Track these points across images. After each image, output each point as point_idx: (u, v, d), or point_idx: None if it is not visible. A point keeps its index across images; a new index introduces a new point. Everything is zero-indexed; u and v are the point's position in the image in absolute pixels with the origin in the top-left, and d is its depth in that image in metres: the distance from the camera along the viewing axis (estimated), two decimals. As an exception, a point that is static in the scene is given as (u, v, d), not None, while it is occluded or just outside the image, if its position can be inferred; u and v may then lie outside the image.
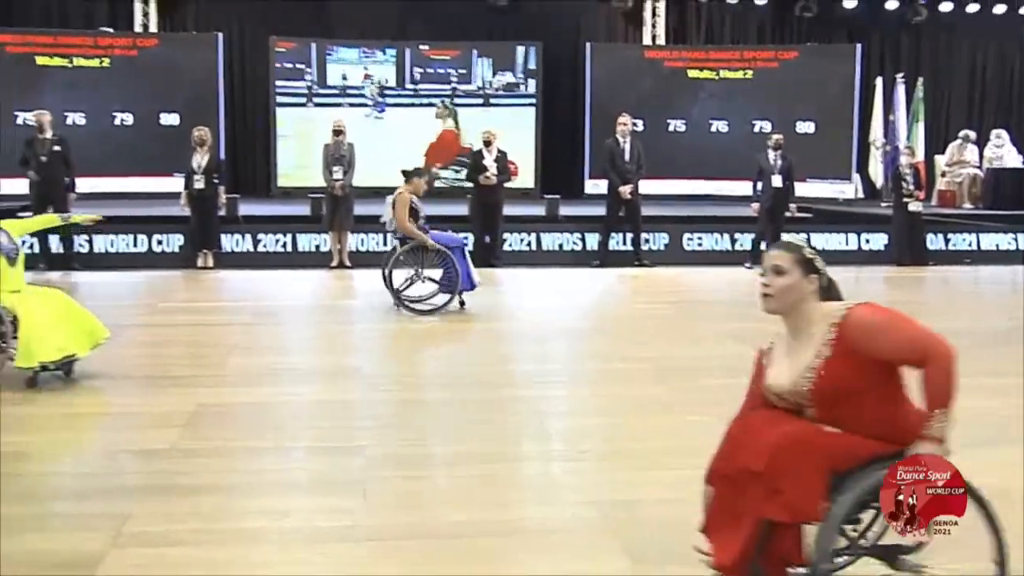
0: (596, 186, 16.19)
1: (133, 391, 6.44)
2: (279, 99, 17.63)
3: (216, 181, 12.44)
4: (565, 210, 14.17)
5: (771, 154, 13.13)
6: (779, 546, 2.91)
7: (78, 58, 16.70)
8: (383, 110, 17.94)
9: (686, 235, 13.66)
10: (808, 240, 3.70)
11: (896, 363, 2.99)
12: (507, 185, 13.27)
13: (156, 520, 4.13)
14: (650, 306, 10.26)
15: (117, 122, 16.74)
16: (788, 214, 13.17)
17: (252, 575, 3.65)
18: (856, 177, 17.83)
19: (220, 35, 17.38)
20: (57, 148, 12.21)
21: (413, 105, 18.05)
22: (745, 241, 13.45)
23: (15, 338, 6.23)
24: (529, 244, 13.40)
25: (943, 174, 17.16)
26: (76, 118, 16.23)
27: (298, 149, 17.45)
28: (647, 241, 13.38)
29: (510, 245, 13.28)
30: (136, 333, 8.24)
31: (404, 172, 9.77)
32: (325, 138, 13.18)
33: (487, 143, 13.04)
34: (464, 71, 18.07)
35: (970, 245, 14.05)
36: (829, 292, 3.15)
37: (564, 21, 18.68)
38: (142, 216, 13.47)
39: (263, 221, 13.48)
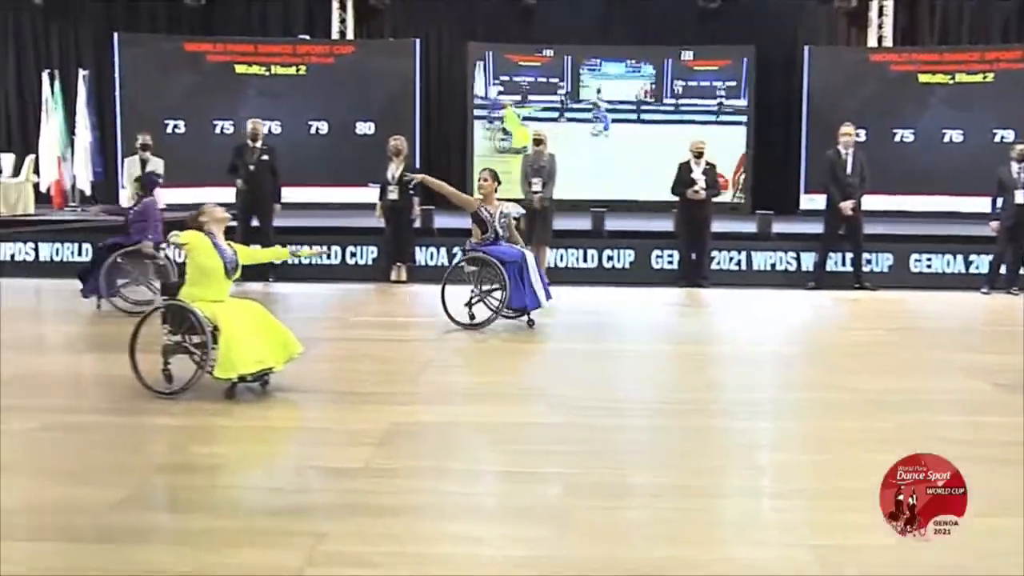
0: (813, 201, 15.81)
1: (326, 406, 6.74)
2: (477, 110, 17.97)
3: (411, 192, 12.84)
4: (778, 227, 13.89)
5: (1015, 167, 12.51)
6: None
7: (276, 66, 17.60)
8: (607, 126, 17.90)
9: (913, 256, 13.18)
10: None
11: None
12: (715, 200, 13.14)
13: (350, 540, 4.31)
14: (870, 333, 9.95)
15: (312, 131, 17.51)
16: (1033, 234, 12.53)
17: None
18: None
19: (417, 41, 17.94)
20: (265, 157, 12.95)
21: (669, 122, 17.74)
22: (981, 263, 12.87)
23: (214, 348, 6.62)
24: (738, 263, 13.24)
25: None
26: (272, 127, 17.07)
27: (493, 158, 17.76)
28: (869, 262, 12.99)
29: (718, 264, 13.15)
30: (328, 347, 8.61)
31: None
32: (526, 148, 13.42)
33: (697, 154, 12.91)
34: (733, 83, 17.81)
35: None
36: None
37: (780, 23, 18.35)
38: (336, 227, 14.02)
39: (458, 234, 13.77)
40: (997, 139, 16.51)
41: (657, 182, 14.64)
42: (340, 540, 4.31)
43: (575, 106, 17.93)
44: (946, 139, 17.25)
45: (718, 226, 13.22)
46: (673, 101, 17.81)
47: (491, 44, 18.00)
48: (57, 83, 16.65)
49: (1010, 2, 18.07)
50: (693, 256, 12.87)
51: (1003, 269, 12.53)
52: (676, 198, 13.05)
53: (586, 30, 18.26)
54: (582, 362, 8.50)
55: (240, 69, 17.45)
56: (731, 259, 13.24)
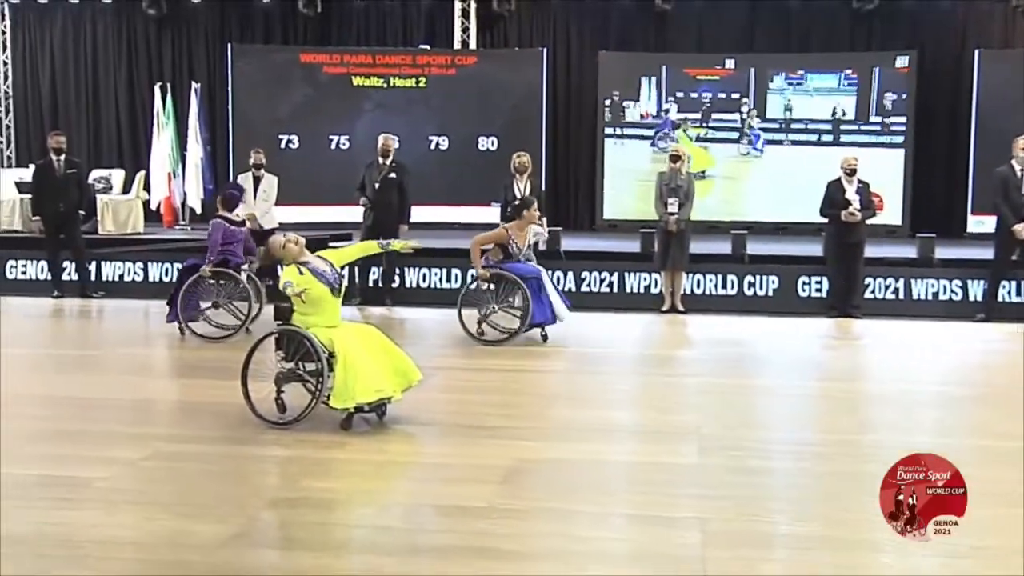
0: (981, 223, 15.38)
1: (446, 440, 6.82)
2: (608, 125, 17.96)
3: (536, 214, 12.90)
4: (941, 252, 13.56)
5: None
6: None
7: (395, 78, 17.91)
8: (760, 148, 17.73)
9: (1098, 285, 12.74)
10: None
11: None
12: (870, 222, 12.88)
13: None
14: (1051, 372, 9.61)
15: (432, 146, 17.77)
16: None
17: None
18: None
19: (544, 50, 18.08)
20: (392, 175, 13.09)
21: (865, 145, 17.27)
22: None
23: (330, 376, 6.73)
24: (896, 291, 12.99)
25: None
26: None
27: (627, 177, 17.77)
28: (1047, 291, 12.61)
29: (872, 292, 12.92)
30: (448, 376, 8.72)
31: (515, 206, 10.87)
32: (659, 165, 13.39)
33: (849, 172, 12.67)
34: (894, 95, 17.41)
35: None
36: None
37: (944, 24, 17.91)
38: (455, 249, 14.13)
39: (587, 257, 13.87)
40: None
41: (803, 201, 14.47)
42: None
43: (761, 125, 17.72)
44: None
45: (872, 250, 12.97)
46: (879, 119, 17.43)
47: (623, 53, 18.03)
48: (169, 96, 17.24)
49: None
50: (845, 283, 12.63)
51: None
52: (825, 220, 12.86)
53: (727, 36, 18.18)
54: (722, 398, 8.41)
55: (357, 81, 17.85)
56: (887, 287, 13.00)
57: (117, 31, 19.26)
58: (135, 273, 14.20)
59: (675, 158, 12.94)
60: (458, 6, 18.61)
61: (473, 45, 18.71)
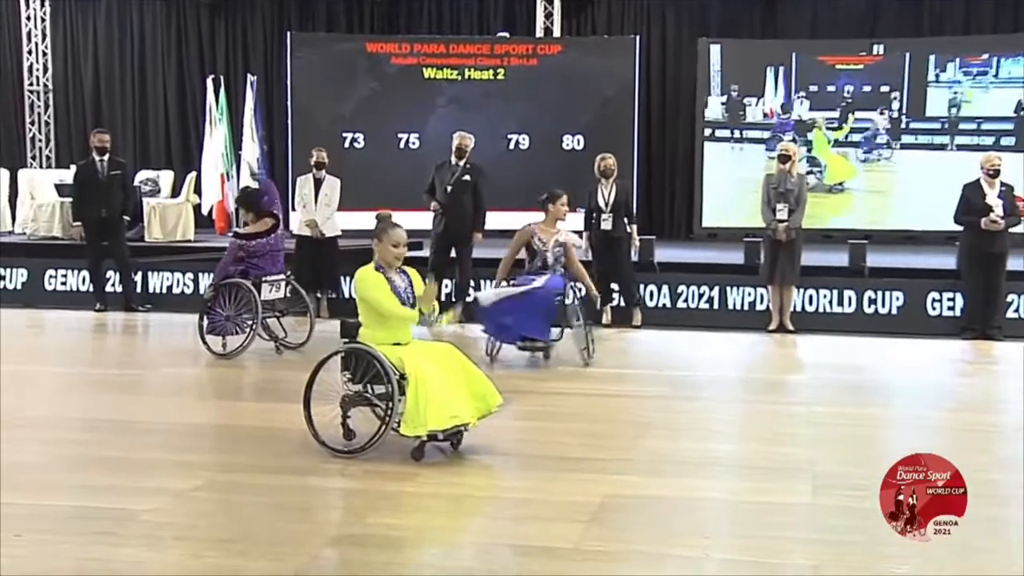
0: None
1: (527, 473, 6.82)
2: (707, 125, 17.82)
3: (627, 220, 12.90)
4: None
5: None
6: None
7: (470, 69, 17.99)
8: (888, 149, 17.38)
9: None
10: None
11: None
12: (1013, 230, 12.64)
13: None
14: None
15: (511, 145, 17.84)
16: None
17: None
18: None
19: (637, 38, 18.04)
20: (466, 178, 13.16)
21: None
22: None
23: (401, 400, 6.74)
24: (1045, 310, 12.76)
25: None
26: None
27: (729, 180, 17.69)
28: None
29: (1015, 310, 12.71)
30: (526, 401, 8.72)
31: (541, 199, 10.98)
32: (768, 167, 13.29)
33: (991, 173, 12.43)
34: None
35: None
36: None
37: None
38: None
39: (683, 269, 13.82)
40: None
41: (933, 206, 14.25)
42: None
43: (916, 125, 17.29)
44: None
45: (1016, 263, 12.78)
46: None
47: (743, 40, 17.92)
48: (222, 90, 17.47)
49: None
50: (982, 300, 12.44)
51: None
52: (960, 228, 12.68)
53: (842, 22, 17.97)
54: (838, 430, 8.32)
55: (429, 73, 17.94)
56: (1035, 304, 12.75)
57: (166, 19, 19.59)
58: (184, 284, 14.41)
59: (784, 158, 12.83)
60: (541, -11, 18.68)
61: (557, 33, 18.75)
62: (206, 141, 17.48)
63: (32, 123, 20.04)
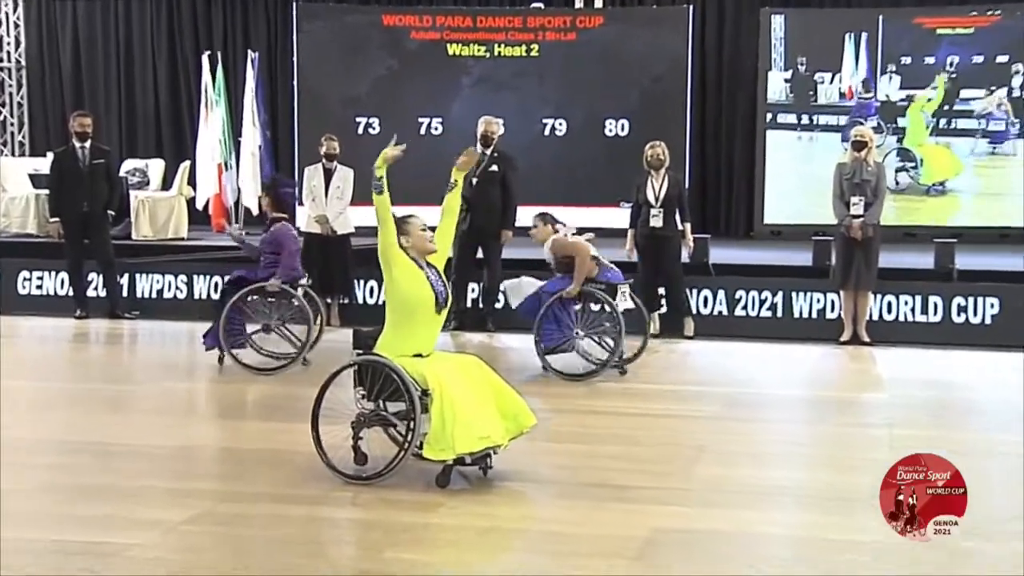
0: None
1: (565, 503, 6.81)
2: (769, 108, 17.78)
3: (680, 216, 12.88)
4: None
5: None
6: None
7: (500, 45, 17.98)
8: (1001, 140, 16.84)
9: None
10: None
11: None
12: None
13: None
14: None
15: (546, 131, 17.84)
16: None
17: None
18: None
19: (691, 8, 17.97)
20: (494, 168, 13.14)
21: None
22: None
23: (424, 419, 6.73)
24: None
25: None
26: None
27: (796, 171, 17.64)
28: None
29: None
30: (563, 421, 8.75)
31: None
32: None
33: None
34: None
35: None
36: None
37: None
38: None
39: (742, 272, 13.79)
40: None
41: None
42: None
43: None
44: None
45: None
46: None
47: (789, 9, 17.82)
48: (219, 69, 17.52)
49: None
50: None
51: None
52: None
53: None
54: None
55: (453, 50, 17.98)
56: None
57: (156, -11, 19.66)
58: (177, 288, 14.46)
59: (860, 145, 12.75)
60: (580, -47, 18.68)
61: (599, 3, 18.71)
62: (201, 127, 17.53)
63: (3, 105, 20.12)
